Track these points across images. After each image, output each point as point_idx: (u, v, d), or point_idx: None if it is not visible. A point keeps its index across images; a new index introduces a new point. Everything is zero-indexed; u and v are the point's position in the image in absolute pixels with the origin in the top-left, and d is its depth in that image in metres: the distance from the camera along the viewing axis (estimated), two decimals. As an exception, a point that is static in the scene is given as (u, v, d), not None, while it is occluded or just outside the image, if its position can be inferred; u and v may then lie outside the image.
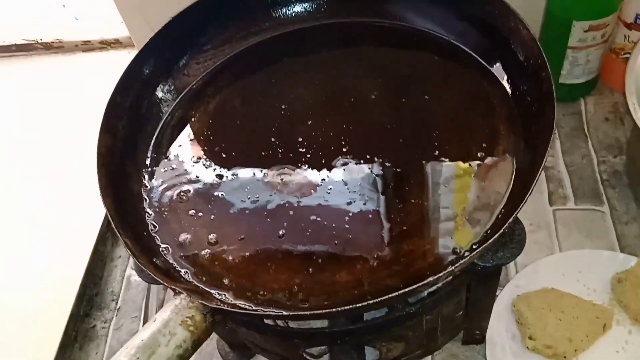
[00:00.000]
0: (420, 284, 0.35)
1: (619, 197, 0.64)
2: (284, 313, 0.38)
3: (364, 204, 0.44)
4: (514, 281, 0.58)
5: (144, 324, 0.63)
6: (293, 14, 0.55)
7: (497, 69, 0.49)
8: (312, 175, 0.46)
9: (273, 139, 0.49)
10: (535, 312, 0.55)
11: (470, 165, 0.45)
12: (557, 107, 0.41)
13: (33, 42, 0.88)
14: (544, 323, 0.54)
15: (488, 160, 0.44)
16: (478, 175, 0.44)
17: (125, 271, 0.69)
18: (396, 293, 0.35)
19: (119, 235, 0.41)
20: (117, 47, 0.88)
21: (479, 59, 0.50)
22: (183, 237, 0.44)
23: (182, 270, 0.43)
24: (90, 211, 0.71)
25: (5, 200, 0.74)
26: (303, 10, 0.55)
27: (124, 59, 0.87)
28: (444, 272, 0.36)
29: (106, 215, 0.69)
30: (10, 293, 0.66)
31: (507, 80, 0.48)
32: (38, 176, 0.77)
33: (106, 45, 0.88)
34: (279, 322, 0.45)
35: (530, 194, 0.38)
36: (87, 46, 0.88)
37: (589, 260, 0.58)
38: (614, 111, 0.70)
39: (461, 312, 0.50)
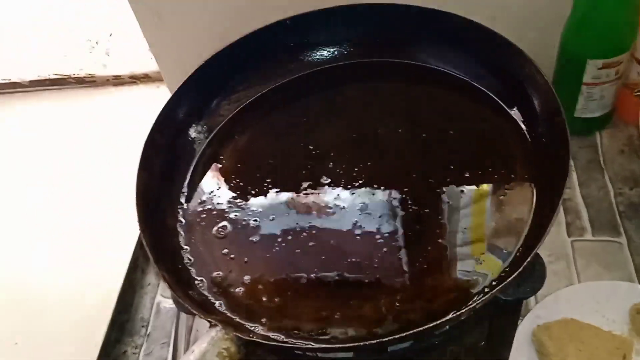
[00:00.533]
0: (441, 321, 0.37)
1: (636, 228, 0.65)
2: (314, 346, 0.40)
3: (389, 240, 0.46)
4: (535, 311, 0.60)
5: (173, 349, 0.66)
6: (319, 58, 0.58)
7: (514, 111, 0.51)
8: (339, 211, 0.48)
9: (301, 175, 0.51)
10: (556, 343, 0.56)
11: (488, 201, 0.47)
12: (572, 141, 0.43)
13: (66, 76, 0.92)
14: (565, 353, 0.56)
15: (506, 197, 0.47)
16: (496, 211, 0.46)
17: (155, 298, 0.71)
18: (419, 329, 0.37)
19: (157, 269, 0.44)
20: (147, 81, 0.92)
21: (497, 99, 0.53)
22: (216, 273, 0.47)
23: (217, 303, 0.45)
24: (122, 240, 0.74)
25: (41, 231, 0.77)
26: (328, 54, 0.59)
27: (153, 93, 0.92)
28: (465, 309, 0.38)
29: (137, 244, 0.73)
30: (46, 321, 0.68)
31: (524, 122, 0.50)
32: (70, 207, 0.80)
33: (136, 80, 0.92)
34: (308, 353, 0.47)
35: (548, 233, 0.40)
36: (117, 81, 0.92)
37: (607, 291, 0.60)
38: (629, 144, 0.72)
39: (483, 343, 0.51)
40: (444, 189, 0.48)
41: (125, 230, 0.75)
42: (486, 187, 0.48)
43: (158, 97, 0.91)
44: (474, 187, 0.48)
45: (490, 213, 0.46)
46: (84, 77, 0.92)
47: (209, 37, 0.73)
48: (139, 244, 0.74)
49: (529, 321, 0.59)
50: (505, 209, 0.46)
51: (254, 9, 0.65)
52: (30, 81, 0.93)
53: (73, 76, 0.92)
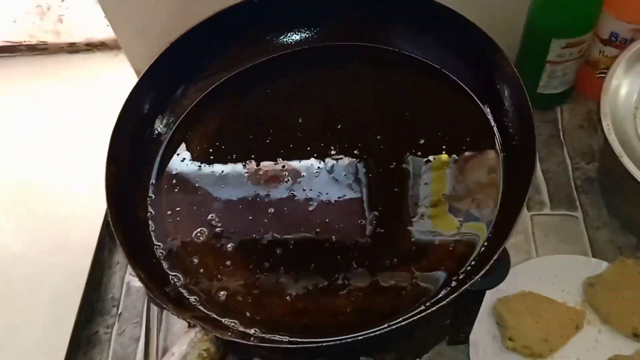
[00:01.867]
0: (412, 318, 0.39)
1: (591, 203, 0.68)
2: (289, 345, 0.41)
3: (359, 237, 0.47)
4: (496, 286, 0.63)
5: (145, 329, 0.66)
6: (290, 42, 0.57)
7: (483, 99, 0.52)
8: (303, 197, 0.49)
9: (271, 157, 0.52)
10: (514, 315, 0.60)
11: (454, 194, 0.48)
12: (534, 116, 0.45)
13: (16, 43, 0.88)
14: (522, 325, 0.59)
15: (472, 191, 0.48)
16: (462, 203, 0.48)
17: (125, 277, 0.71)
18: (392, 325, 0.39)
19: (131, 267, 0.44)
20: (103, 49, 0.88)
21: (465, 87, 0.53)
22: (190, 264, 0.47)
23: (192, 298, 0.45)
24: (87, 217, 0.73)
25: (1, 210, 0.75)
26: (299, 36, 0.57)
27: (110, 61, 0.88)
28: (434, 306, 0.40)
29: (103, 222, 0.72)
30: (15, 303, 0.68)
31: (492, 112, 0.51)
32: (29, 183, 0.78)
33: (92, 47, 0.88)
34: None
35: (515, 227, 0.41)
36: (72, 48, 0.88)
37: (563, 265, 0.63)
38: (588, 119, 0.74)
39: (448, 322, 0.54)
40: (409, 168, 0.50)
41: (89, 207, 0.74)
42: (452, 176, 0.49)
43: (116, 65, 0.87)
44: (440, 172, 0.49)
45: (455, 206, 0.48)
46: (36, 44, 0.87)
47: (169, 1, 0.70)
48: (105, 223, 0.73)
49: (489, 295, 0.62)
50: (472, 203, 0.48)
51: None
52: (-23, 48, 0.88)
53: (24, 43, 0.87)
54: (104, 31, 0.85)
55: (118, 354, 0.66)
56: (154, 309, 0.68)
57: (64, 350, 0.64)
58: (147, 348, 0.64)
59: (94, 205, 0.74)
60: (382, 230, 0.47)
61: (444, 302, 0.39)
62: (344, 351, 0.47)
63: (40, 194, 0.76)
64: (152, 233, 0.49)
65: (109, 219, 0.46)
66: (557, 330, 0.59)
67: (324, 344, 0.40)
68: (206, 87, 0.56)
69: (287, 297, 0.45)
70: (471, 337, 0.60)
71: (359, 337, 0.39)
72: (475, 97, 0.52)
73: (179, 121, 0.55)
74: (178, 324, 0.67)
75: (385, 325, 0.40)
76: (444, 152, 0.50)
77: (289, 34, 0.57)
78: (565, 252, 0.65)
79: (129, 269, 0.72)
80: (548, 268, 0.63)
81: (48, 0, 0.83)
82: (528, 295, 0.61)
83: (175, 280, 0.46)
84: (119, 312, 0.69)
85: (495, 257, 0.40)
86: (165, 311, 0.68)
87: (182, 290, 0.46)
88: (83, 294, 0.68)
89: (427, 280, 0.45)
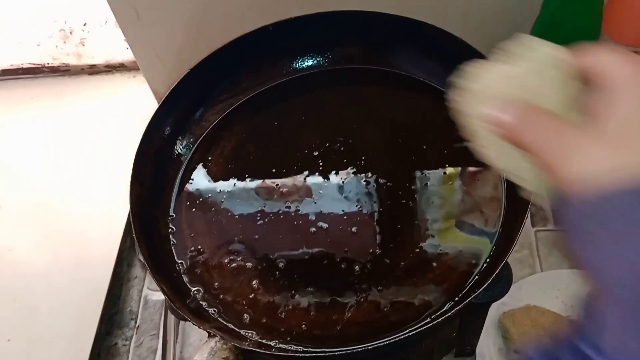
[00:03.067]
0: (419, 329, 0.42)
1: (593, 219, 0.70)
2: (304, 354, 0.44)
3: (368, 252, 0.50)
4: (500, 299, 0.65)
5: (163, 340, 0.69)
6: (303, 66, 0.60)
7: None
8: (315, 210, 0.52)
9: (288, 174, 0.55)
10: (519, 328, 0.62)
11: (458, 210, 0.51)
12: None
13: (40, 65, 0.92)
14: (527, 338, 0.61)
15: (476, 206, 0.51)
16: (466, 219, 0.50)
17: (142, 291, 0.74)
18: (400, 335, 0.41)
19: (156, 281, 0.46)
20: (123, 70, 0.92)
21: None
22: (209, 279, 0.50)
23: (211, 310, 0.48)
24: (106, 233, 0.76)
25: (23, 227, 0.78)
26: (312, 63, 0.61)
27: (129, 82, 0.92)
28: (440, 318, 0.42)
29: (122, 236, 0.75)
30: (38, 317, 0.70)
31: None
32: (50, 201, 0.81)
33: (112, 69, 0.91)
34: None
35: (517, 241, 0.44)
36: (93, 70, 0.91)
37: (567, 279, 0.65)
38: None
39: (455, 334, 0.56)
40: (416, 184, 0.52)
41: (108, 224, 0.77)
42: (455, 188, 0.52)
43: (134, 86, 0.91)
44: (445, 187, 0.52)
45: (460, 220, 0.50)
46: (58, 66, 0.91)
47: (186, 26, 0.74)
48: (124, 237, 0.76)
49: (495, 308, 0.64)
50: (476, 215, 0.50)
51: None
52: (3, 70, 0.92)
53: (47, 65, 0.91)
54: (123, 53, 0.89)
55: (136, 365, 0.69)
56: (171, 322, 0.70)
57: (85, 361, 0.67)
58: (164, 359, 0.67)
59: (112, 222, 0.77)
60: (391, 245, 0.49)
61: (449, 314, 0.42)
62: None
63: (60, 213, 0.80)
64: (173, 248, 0.52)
65: (134, 235, 0.49)
66: (561, 343, 0.61)
67: (337, 354, 0.43)
68: (224, 110, 0.59)
69: (301, 310, 0.47)
70: (478, 349, 0.62)
71: (369, 347, 0.42)
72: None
73: (198, 142, 0.58)
74: (194, 336, 0.70)
75: (395, 335, 0.42)
76: (449, 168, 0.53)
77: (302, 59, 0.60)
78: (569, 267, 0.67)
79: (147, 283, 0.74)
80: (552, 282, 0.65)
81: (71, 24, 0.87)
82: (532, 308, 0.63)
83: (196, 293, 0.49)
84: (137, 324, 0.71)
85: (497, 271, 0.42)
86: (181, 324, 0.71)
87: (202, 303, 0.48)
88: (103, 307, 0.71)
89: (432, 293, 0.47)
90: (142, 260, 0.73)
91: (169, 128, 0.56)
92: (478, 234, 0.50)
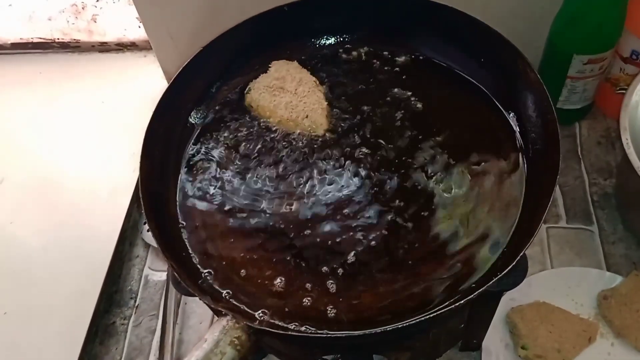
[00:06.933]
0: (433, 314, 0.40)
1: (607, 218, 0.69)
2: (322, 335, 0.42)
3: (381, 234, 0.48)
4: (509, 294, 0.62)
5: (162, 321, 0.67)
6: (324, 44, 0.59)
7: (505, 104, 0.53)
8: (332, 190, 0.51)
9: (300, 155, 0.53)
10: (528, 324, 0.60)
11: (476, 195, 0.49)
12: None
13: (50, 40, 0.90)
14: (536, 334, 0.60)
15: (494, 192, 0.49)
16: (486, 207, 0.48)
17: (143, 271, 0.73)
18: (414, 320, 0.40)
19: (165, 260, 0.45)
20: (133, 49, 0.90)
21: (489, 94, 0.55)
22: (219, 261, 0.48)
23: (223, 291, 0.46)
24: (110, 211, 0.75)
25: (28, 201, 0.77)
26: (333, 42, 0.60)
27: (139, 61, 0.90)
28: (457, 302, 0.40)
29: (126, 216, 0.74)
30: (35, 291, 0.69)
31: (516, 119, 0.52)
32: (56, 176, 0.80)
33: (122, 47, 0.90)
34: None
35: (537, 234, 0.42)
36: (103, 47, 0.90)
37: (578, 277, 0.64)
38: (606, 135, 0.75)
39: (463, 325, 0.55)
40: (435, 176, 0.50)
41: (113, 200, 0.76)
42: (475, 179, 0.50)
43: (144, 66, 0.90)
44: (465, 177, 0.50)
45: (479, 208, 0.48)
46: (69, 42, 0.90)
47: (200, 7, 0.73)
48: (128, 215, 0.75)
49: (503, 304, 0.63)
50: (495, 204, 0.48)
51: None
52: (12, 43, 0.91)
53: (57, 40, 0.90)
54: (135, 32, 0.88)
55: (134, 345, 0.67)
56: (172, 303, 0.69)
57: (82, 339, 0.65)
58: (162, 340, 0.65)
59: (116, 200, 0.76)
60: (408, 235, 0.48)
61: (463, 300, 0.40)
62: (362, 344, 0.48)
63: (65, 188, 0.78)
64: (182, 229, 0.50)
65: (144, 211, 0.47)
66: (570, 341, 0.60)
67: (347, 336, 0.41)
68: (237, 85, 0.58)
69: (314, 292, 0.46)
70: (484, 344, 0.60)
71: (385, 329, 0.40)
72: (498, 104, 0.54)
73: (211, 117, 0.56)
74: (194, 318, 0.69)
75: (412, 319, 0.41)
76: (468, 158, 0.51)
77: (319, 40, 0.59)
78: (580, 265, 0.65)
79: (148, 263, 0.73)
80: (562, 279, 0.64)
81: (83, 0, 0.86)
82: (542, 305, 0.62)
83: (207, 274, 0.47)
84: (137, 304, 0.70)
85: (515, 262, 0.41)
86: (182, 305, 0.69)
87: (213, 283, 0.47)
88: (102, 285, 0.69)
89: (447, 280, 0.45)
90: (147, 241, 0.72)
91: (180, 100, 0.54)
92: (497, 224, 0.48)
